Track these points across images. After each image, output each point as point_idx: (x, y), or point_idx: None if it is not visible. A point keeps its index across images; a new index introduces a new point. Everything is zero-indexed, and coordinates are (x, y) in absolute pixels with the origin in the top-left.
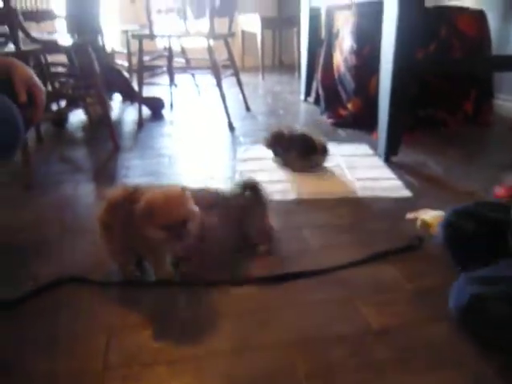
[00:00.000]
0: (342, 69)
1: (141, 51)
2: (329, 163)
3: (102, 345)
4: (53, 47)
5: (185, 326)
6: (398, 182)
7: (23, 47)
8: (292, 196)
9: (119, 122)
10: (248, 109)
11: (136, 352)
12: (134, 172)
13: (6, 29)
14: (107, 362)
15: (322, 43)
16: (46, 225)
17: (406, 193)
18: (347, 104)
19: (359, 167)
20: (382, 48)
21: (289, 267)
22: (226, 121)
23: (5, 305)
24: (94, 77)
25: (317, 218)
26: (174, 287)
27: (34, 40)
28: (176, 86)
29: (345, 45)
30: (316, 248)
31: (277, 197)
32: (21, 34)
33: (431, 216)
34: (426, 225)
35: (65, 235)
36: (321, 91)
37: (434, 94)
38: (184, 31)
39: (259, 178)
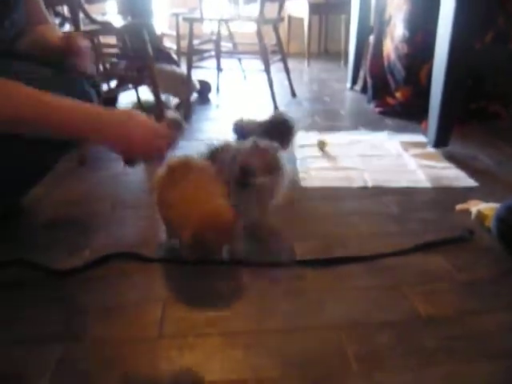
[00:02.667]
0: (393, 57)
1: (191, 34)
2: (387, 151)
3: (158, 315)
4: (110, 28)
5: (236, 303)
6: (460, 172)
7: (82, 27)
8: (357, 184)
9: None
10: (294, 95)
11: (190, 323)
12: (183, 151)
13: (62, 9)
14: (162, 332)
15: (371, 30)
16: (99, 199)
17: (471, 182)
18: (396, 93)
19: (416, 156)
20: (437, 36)
21: (337, 252)
22: (272, 106)
23: (62, 273)
24: (147, 59)
25: (368, 206)
26: (225, 266)
27: (93, 21)
28: (222, 70)
29: (396, 32)
30: (364, 235)
31: (342, 183)
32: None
33: (486, 207)
34: (481, 216)
35: (116, 210)
36: (368, 79)
37: (487, 86)
38: (234, 15)
39: (321, 164)
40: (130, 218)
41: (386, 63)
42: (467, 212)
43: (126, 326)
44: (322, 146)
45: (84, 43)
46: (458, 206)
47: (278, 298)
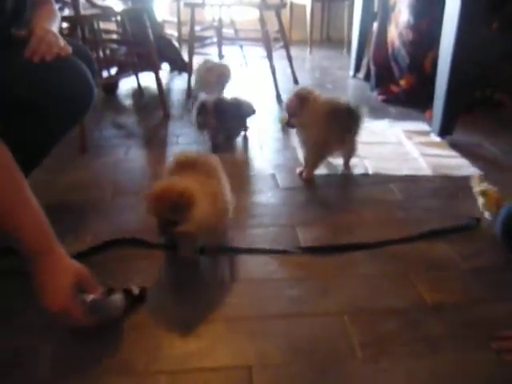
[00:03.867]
0: (397, 43)
1: (193, 20)
2: (390, 139)
3: (161, 301)
4: (110, 12)
5: (240, 289)
6: (463, 160)
7: (82, 12)
8: (358, 171)
9: (168, 92)
10: (296, 82)
11: (193, 309)
12: (184, 139)
13: None
14: (166, 318)
15: (375, 17)
16: (100, 185)
17: (475, 171)
18: (400, 80)
19: (420, 144)
20: (443, 23)
21: (341, 239)
22: (274, 93)
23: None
24: (147, 44)
25: (370, 193)
26: (229, 253)
27: (93, 5)
28: (223, 57)
29: (401, 18)
30: (368, 222)
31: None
32: None
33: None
34: (485, 194)
35: (117, 196)
36: (372, 67)
37: (493, 74)
38: (236, 0)
39: None
40: (131, 205)
41: (389, 50)
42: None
43: (128, 312)
44: (283, 121)
45: (48, 35)
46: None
47: (282, 284)
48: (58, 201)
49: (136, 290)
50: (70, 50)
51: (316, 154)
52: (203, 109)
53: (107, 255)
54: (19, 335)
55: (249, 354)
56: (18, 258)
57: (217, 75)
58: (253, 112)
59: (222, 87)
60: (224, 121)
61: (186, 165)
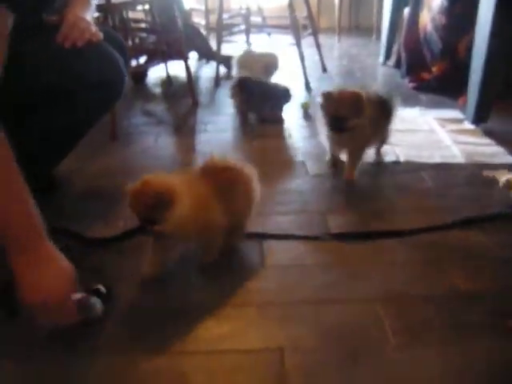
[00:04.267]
0: (429, 28)
1: (220, 8)
2: (422, 127)
3: (194, 286)
4: (139, 1)
5: (272, 274)
6: (498, 148)
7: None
8: (390, 158)
9: (196, 80)
10: (325, 70)
11: (226, 294)
12: (213, 127)
13: None
14: (199, 302)
15: (406, 2)
16: (130, 172)
17: (510, 159)
18: (432, 67)
19: (452, 132)
20: (479, 6)
21: (372, 226)
22: (303, 81)
23: (102, 242)
24: (176, 33)
25: (402, 180)
26: (260, 239)
27: None
28: (251, 44)
29: (434, 3)
30: (401, 209)
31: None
32: None
33: None
34: (510, 185)
35: None
36: (403, 53)
37: None
38: None
39: None
40: None
41: (421, 36)
42: (494, 180)
43: (162, 294)
44: (305, 107)
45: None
46: (485, 172)
47: (313, 270)
48: (89, 187)
49: (103, 289)
50: (101, 36)
51: (362, 154)
52: (237, 85)
53: (140, 239)
54: None
55: (280, 337)
56: None
57: (264, 65)
58: (288, 97)
59: (269, 77)
60: (255, 100)
61: (212, 170)
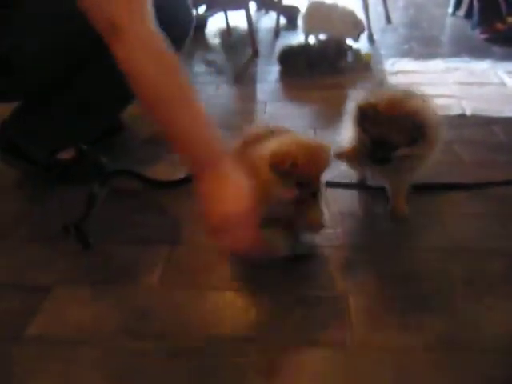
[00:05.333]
0: None
1: None
2: (491, 80)
3: None
4: None
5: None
6: None
7: None
8: (455, 111)
9: (255, 30)
10: (389, 21)
11: None
12: (273, 77)
13: None
14: None
15: None
16: None
17: None
18: (508, 17)
19: None
20: None
21: (440, 179)
22: (366, 32)
23: (170, 184)
24: None
25: (469, 134)
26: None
27: None
28: None
29: None
30: (468, 163)
31: (439, 112)
32: None
33: None
34: None
35: None
36: (475, 3)
37: None
38: None
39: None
40: (225, 138)
41: None
42: None
43: None
44: (366, 58)
45: None
46: None
47: (380, 219)
48: (155, 132)
49: None
50: None
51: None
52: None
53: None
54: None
55: (346, 283)
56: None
57: (353, 22)
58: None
59: (345, 33)
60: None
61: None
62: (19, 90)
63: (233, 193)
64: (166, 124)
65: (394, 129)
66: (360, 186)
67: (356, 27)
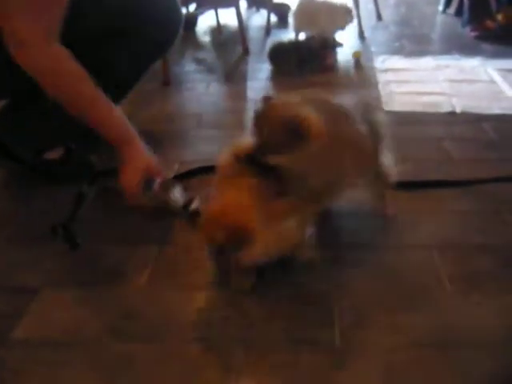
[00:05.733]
0: None
1: None
2: (481, 77)
3: None
4: None
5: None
6: None
7: None
8: (445, 109)
9: (246, 28)
10: (380, 18)
11: None
12: (263, 75)
13: None
14: None
15: None
16: (184, 118)
17: None
18: (497, 15)
19: None
20: None
21: (428, 176)
22: (357, 29)
23: None
24: None
25: (459, 131)
26: None
27: None
28: None
29: None
30: (458, 160)
31: (428, 109)
32: None
33: None
34: None
35: (201, 128)
36: (465, 0)
37: None
38: None
39: (405, 89)
40: (215, 137)
41: None
42: None
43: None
44: (357, 56)
45: None
46: None
47: (367, 217)
48: (144, 132)
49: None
50: None
51: None
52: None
53: (195, 181)
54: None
55: (333, 282)
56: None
57: (345, 11)
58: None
59: (335, 28)
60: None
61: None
62: (6, 88)
63: (134, 165)
64: (81, 116)
65: (269, 131)
66: None
67: (348, 15)
